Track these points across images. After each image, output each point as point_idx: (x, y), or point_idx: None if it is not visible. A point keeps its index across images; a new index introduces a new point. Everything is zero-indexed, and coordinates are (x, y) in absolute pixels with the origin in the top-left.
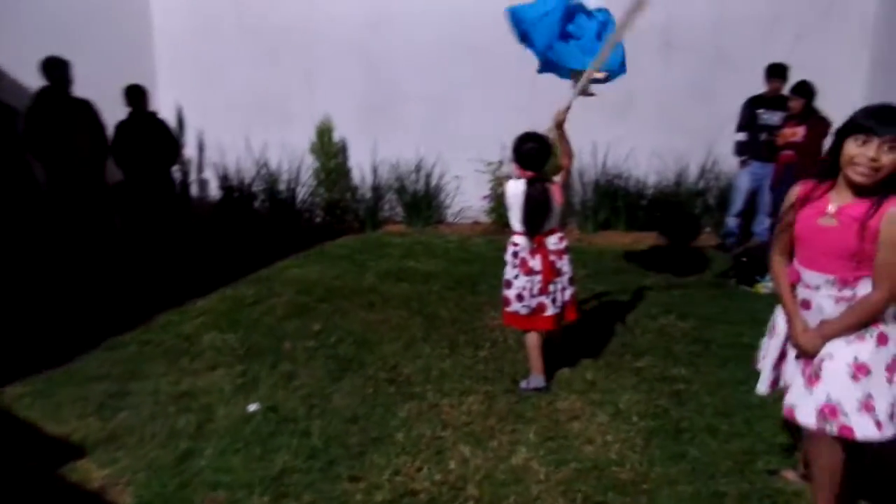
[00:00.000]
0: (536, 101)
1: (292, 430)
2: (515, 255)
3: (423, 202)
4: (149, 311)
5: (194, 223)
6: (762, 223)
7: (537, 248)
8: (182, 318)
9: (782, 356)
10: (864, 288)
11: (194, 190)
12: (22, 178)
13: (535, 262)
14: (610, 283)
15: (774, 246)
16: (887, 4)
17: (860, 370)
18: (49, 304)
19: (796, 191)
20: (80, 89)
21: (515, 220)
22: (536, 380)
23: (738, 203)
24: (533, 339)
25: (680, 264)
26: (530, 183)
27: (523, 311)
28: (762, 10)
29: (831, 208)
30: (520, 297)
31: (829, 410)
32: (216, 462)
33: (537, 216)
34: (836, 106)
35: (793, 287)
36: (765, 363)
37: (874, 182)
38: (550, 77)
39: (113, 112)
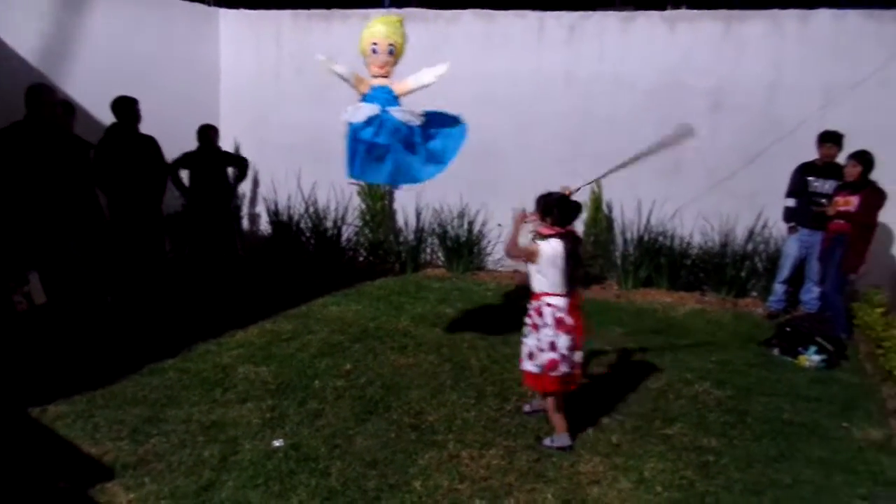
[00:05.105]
0: (577, 153)
1: (312, 469)
2: (553, 316)
3: (464, 248)
4: (190, 339)
5: (245, 255)
6: (809, 292)
7: (573, 305)
8: (220, 348)
9: None
10: None
11: (246, 223)
12: (90, 207)
13: (570, 319)
14: (647, 344)
15: None
16: None
17: None
18: (99, 324)
19: None
20: (152, 123)
21: (554, 280)
22: (562, 439)
23: (785, 270)
24: (555, 400)
25: (721, 328)
26: (565, 238)
27: (565, 370)
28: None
29: None
30: (564, 358)
31: None
32: (236, 495)
33: (576, 272)
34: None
35: None
36: None
37: None
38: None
39: (181, 145)
